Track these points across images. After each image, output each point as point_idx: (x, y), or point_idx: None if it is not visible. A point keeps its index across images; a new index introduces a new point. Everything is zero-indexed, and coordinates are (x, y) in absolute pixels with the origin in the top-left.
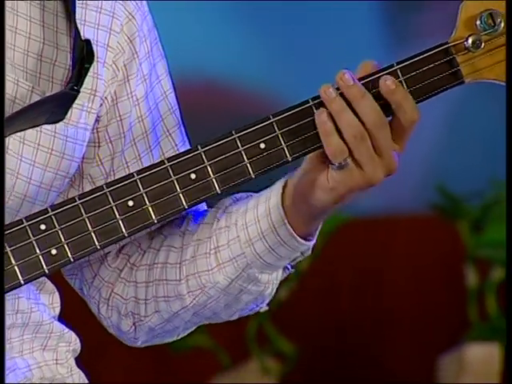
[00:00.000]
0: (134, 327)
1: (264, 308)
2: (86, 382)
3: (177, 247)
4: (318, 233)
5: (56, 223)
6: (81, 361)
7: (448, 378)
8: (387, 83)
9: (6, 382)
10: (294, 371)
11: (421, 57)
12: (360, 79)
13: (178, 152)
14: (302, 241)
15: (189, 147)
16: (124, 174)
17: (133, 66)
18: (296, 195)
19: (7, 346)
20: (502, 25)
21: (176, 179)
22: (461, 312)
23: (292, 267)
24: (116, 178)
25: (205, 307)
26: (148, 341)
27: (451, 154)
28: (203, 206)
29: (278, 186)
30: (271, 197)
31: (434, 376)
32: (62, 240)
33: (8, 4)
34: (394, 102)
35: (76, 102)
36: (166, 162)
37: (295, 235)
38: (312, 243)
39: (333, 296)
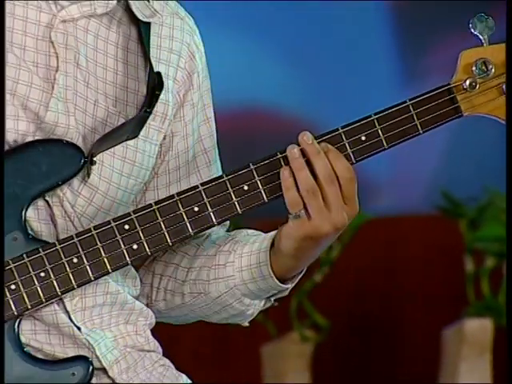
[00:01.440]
0: (146, 306)
1: (245, 324)
2: (160, 349)
3: (190, 255)
4: (297, 279)
5: (137, 224)
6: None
7: (450, 347)
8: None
9: (99, 349)
10: (327, 341)
11: (429, 94)
12: (319, 137)
13: (210, 167)
14: (278, 282)
15: (219, 165)
16: (164, 180)
17: (187, 95)
18: (278, 242)
19: (98, 321)
20: (493, 70)
21: (232, 191)
22: (460, 293)
23: (275, 301)
24: (158, 181)
25: (198, 308)
26: (157, 318)
27: (453, 166)
28: (223, 231)
29: (273, 234)
30: (265, 239)
31: (439, 345)
32: (142, 238)
33: (100, 46)
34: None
35: (153, 123)
36: (224, 176)
37: (273, 276)
38: (288, 286)
39: (358, 279)
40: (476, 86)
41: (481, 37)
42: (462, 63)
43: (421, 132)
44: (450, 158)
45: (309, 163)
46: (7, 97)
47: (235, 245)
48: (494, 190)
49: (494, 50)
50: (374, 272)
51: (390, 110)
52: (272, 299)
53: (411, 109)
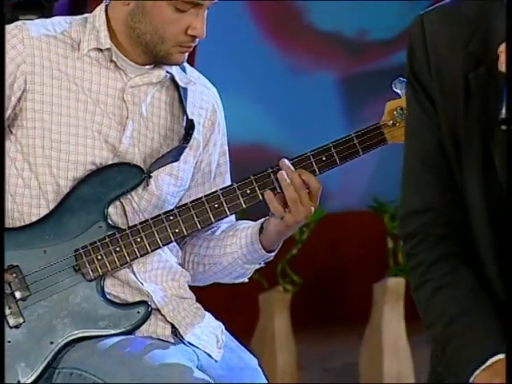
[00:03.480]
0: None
1: (246, 281)
2: (194, 297)
3: (208, 239)
4: (277, 250)
5: (178, 216)
6: None
7: (378, 295)
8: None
9: (155, 296)
10: (299, 291)
11: (366, 130)
12: (294, 158)
13: (224, 184)
14: (265, 253)
15: (229, 181)
16: (194, 190)
17: (212, 137)
18: (265, 228)
19: (154, 279)
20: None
21: (240, 193)
22: (385, 261)
23: (265, 263)
24: (191, 190)
25: (214, 273)
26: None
27: (380, 178)
28: (230, 220)
29: (261, 221)
30: (256, 226)
31: (372, 295)
32: (181, 224)
33: (155, 103)
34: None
35: (189, 152)
36: (234, 184)
37: (262, 249)
38: (272, 255)
39: (319, 253)
40: (396, 124)
41: (400, 92)
42: (387, 110)
43: (360, 154)
44: (378, 173)
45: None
46: (96, 135)
47: (236, 231)
48: None
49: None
50: (330, 248)
51: (340, 140)
52: (262, 263)
53: (355, 139)
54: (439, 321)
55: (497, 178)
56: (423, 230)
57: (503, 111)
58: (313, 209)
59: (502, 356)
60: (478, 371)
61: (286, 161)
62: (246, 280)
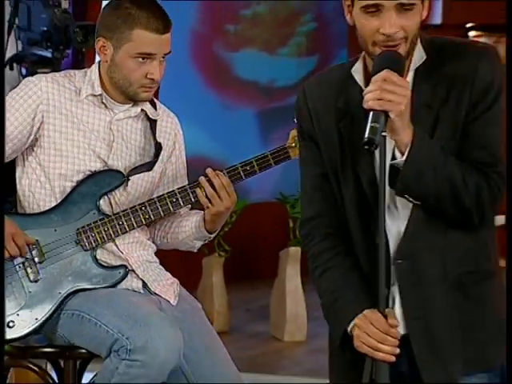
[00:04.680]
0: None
1: (195, 250)
2: (158, 261)
3: (171, 221)
4: (217, 231)
5: (148, 207)
6: None
7: (283, 259)
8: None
9: (132, 261)
10: (229, 257)
11: (277, 149)
12: (228, 168)
13: (183, 184)
14: (208, 234)
15: (186, 182)
16: (162, 188)
17: (173, 152)
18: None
19: (131, 249)
20: None
21: (190, 191)
22: (287, 235)
23: (209, 240)
24: (159, 189)
25: (174, 244)
26: (156, 247)
27: (284, 178)
28: (186, 209)
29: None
30: (202, 214)
31: (279, 259)
32: (150, 212)
33: (133, 130)
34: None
35: (158, 164)
36: (187, 186)
37: (205, 231)
38: (213, 235)
39: (242, 230)
40: (296, 145)
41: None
42: (290, 135)
43: (273, 165)
44: (283, 176)
45: (211, 182)
46: (91, 153)
47: (189, 217)
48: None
49: None
50: (251, 227)
51: (259, 156)
52: (206, 240)
53: (269, 155)
54: (324, 294)
55: (364, 191)
56: (314, 231)
57: (366, 135)
58: (230, 202)
59: (366, 311)
60: (352, 322)
61: (210, 169)
62: (195, 250)
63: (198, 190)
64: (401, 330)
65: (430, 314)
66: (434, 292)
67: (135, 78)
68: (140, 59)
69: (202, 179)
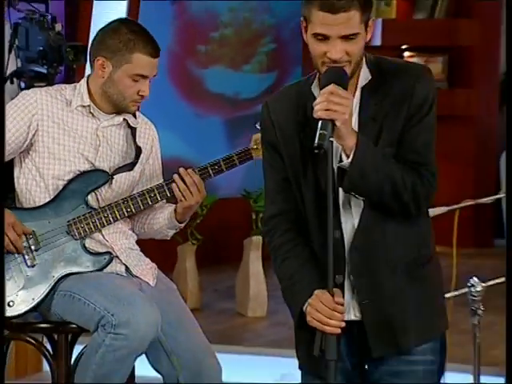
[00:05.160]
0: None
1: (168, 238)
2: (138, 249)
3: (147, 213)
4: (186, 221)
5: (130, 201)
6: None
7: (247, 245)
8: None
9: (116, 248)
10: (201, 244)
11: (242, 151)
12: (199, 167)
13: (159, 181)
14: (178, 224)
15: (162, 180)
16: (141, 185)
17: (151, 155)
18: (177, 208)
19: (115, 238)
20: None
21: (167, 188)
22: (250, 227)
23: (180, 229)
24: (139, 185)
25: (150, 234)
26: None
27: (248, 176)
28: (162, 203)
29: (176, 205)
30: (173, 207)
31: (243, 245)
32: (131, 206)
33: (116, 136)
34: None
35: (138, 165)
36: (163, 183)
37: (176, 221)
38: (183, 224)
39: (211, 222)
40: (257, 148)
41: (259, 128)
42: (253, 139)
43: (238, 165)
44: (247, 174)
45: (183, 179)
46: (80, 156)
47: (163, 209)
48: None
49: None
50: (219, 219)
51: (226, 157)
52: (177, 229)
53: (234, 156)
54: (284, 279)
55: (322, 191)
56: (276, 227)
57: (316, 141)
58: (200, 197)
59: (317, 291)
60: (307, 303)
61: (182, 169)
62: (169, 238)
63: (173, 186)
64: (356, 313)
65: (380, 297)
66: (383, 277)
67: (129, 94)
68: (135, 78)
69: (176, 177)
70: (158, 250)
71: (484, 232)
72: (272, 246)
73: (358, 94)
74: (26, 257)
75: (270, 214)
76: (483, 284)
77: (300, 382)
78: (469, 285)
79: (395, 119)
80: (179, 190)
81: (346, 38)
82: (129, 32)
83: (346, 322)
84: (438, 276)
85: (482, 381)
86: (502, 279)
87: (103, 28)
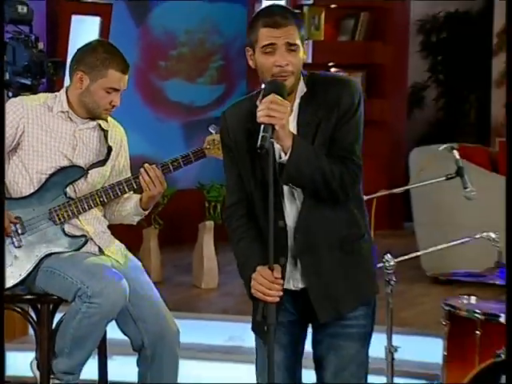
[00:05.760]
0: (105, 217)
1: (135, 223)
2: (109, 232)
3: (117, 202)
4: (150, 209)
5: (102, 192)
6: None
7: (201, 230)
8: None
9: (91, 231)
10: (162, 228)
11: (197, 150)
12: (161, 163)
13: (127, 175)
14: (143, 211)
15: (129, 174)
16: (112, 179)
17: (120, 153)
18: (142, 197)
19: (91, 223)
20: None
21: (134, 181)
22: (204, 212)
23: (144, 215)
24: (110, 179)
25: (120, 219)
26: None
27: (203, 170)
28: (131, 193)
29: (142, 194)
30: (139, 196)
31: (199, 232)
32: (103, 196)
33: (91, 137)
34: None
35: (109, 161)
36: (131, 177)
37: (141, 208)
38: (147, 212)
39: (172, 210)
40: (210, 148)
41: (212, 131)
42: (206, 140)
43: (193, 162)
44: (201, 169)
45: (147, 173)
46: (60, 154)
47: (131, 199)
48: (217, 180)
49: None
50: (178, 207)
51: (184, 155)
52: (142, 215)
53: (190, 154)
54: (239, 256)
55: (267, 184)
56: (233, 213)
57: (258, 142)
58: (162, 188)
59: (259, 267)
60: (255, 272)
61: (147, 164)
62: (135, 223)
63: (140, 179)
64: (297, 284)
65: (321, 270)
66: (323, 253)
67: (102, 104)
68: (108, 91)
69: (142, 171)
70: (126, 233)
71: (396, 217)
72: (230, 229)
73: (296, 103)
74: (14, 239)
75: (229, 203)
76: (395, 260)
77: (249, 342)
78: (384, 260)
79: (327, 123)
80: (145, 182)
81: (289, 47)
82: (105, 51)
83: (292, 291)
84: (368, 251)
85: (392, 338)
86: (411, 255)
87: (83, 47)
